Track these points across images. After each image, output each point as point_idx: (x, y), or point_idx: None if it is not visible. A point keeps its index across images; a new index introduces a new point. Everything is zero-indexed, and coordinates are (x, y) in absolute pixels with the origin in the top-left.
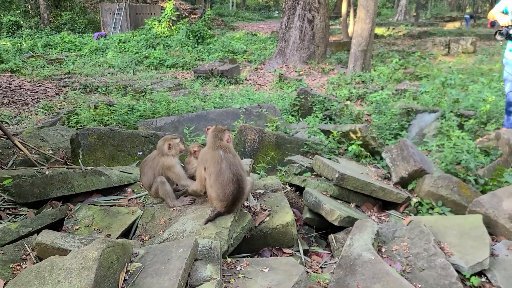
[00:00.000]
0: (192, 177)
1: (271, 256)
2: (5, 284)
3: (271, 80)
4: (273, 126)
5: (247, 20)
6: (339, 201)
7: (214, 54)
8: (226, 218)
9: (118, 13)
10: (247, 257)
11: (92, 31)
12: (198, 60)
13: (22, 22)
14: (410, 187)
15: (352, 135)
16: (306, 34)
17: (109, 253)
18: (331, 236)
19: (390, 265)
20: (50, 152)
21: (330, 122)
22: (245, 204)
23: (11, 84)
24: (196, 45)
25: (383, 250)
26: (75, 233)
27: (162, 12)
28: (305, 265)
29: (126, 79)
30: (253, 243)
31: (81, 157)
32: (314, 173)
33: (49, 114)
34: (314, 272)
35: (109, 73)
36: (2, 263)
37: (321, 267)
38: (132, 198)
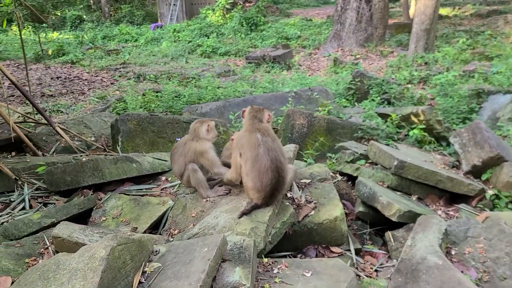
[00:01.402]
0: (227, 165)
1: (316, 255)
2: (12, 282)
3: (325, 65)
4: (324, 110)
5: (303, 7)
6: (398, 193)
7: (267, 40)
8: (264, 211)
9: (175, 4)
10: (288, 257)
11: (150, 22)
12: (251, 47)
13: (84, 16)
14: (484, 177)
15: (413, 118)
16: (364, 15)
17: (120, 251)
18: (389, 234)
19: (462, 271)
20: (92, 139)
21: (388, 106)
22: (288, 195)
23: (70, 75)
24: (249, 32)
25: (452, 252)
26: (102, 225)
27: (217, 1)
28: (357, 267)
29: (178, 67)
30: (296, 240)
31: (120, 143)
32: (369, 161)
33: (102, 102)
34: (367, 276)
35: (162, 62)
36: (17, 257)
37: (375, 270)
38: (165, 187)
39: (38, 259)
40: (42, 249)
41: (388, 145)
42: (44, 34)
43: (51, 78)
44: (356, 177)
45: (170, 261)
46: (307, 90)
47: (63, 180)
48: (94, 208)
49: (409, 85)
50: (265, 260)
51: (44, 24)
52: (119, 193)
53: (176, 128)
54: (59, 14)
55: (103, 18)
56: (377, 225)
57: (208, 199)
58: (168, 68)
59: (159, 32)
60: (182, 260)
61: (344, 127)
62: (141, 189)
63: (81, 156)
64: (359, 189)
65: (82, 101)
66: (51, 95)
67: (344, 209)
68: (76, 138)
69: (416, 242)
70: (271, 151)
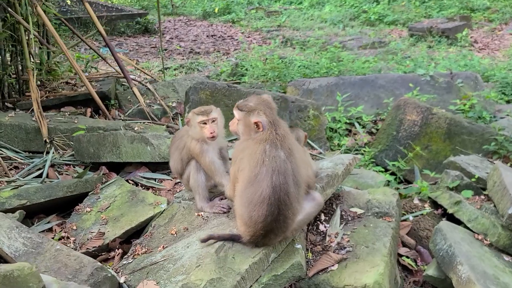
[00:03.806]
0: None
1: None
2: None
3: (509, 44)
4: (465, 105)
5: None
6: (508, 258)
7: (445, 10)
8: (248, 253)
9: None
10: None
11: None
12: (424, 16)
13: None
14: None
15: None
16: None
17: None
18: None
19: None
20: (174, 104)
21: None
22: (321, 227)
23: (225, 33)
24: (427, 0)
25: None
26: (82, 218)
27: None
28: None
29: (330, 35)
30: None
31: (186, 114)
32: (485, 193)
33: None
34: None
35: (317, 28)
36: None
37: None
38: (179, 182)
39: None
40: None
41: None
42: None
43: (207, 36)
44: (452, 216)
45: None
46: (447, 75)
47: (87, 151)
48: (89, 193)
49: None
50: None
51: None
52: (129, 179)
53: None
54: None
55: None
56: None
57: (201, 213)
58: (319, 34)
59: None
60: None
61: (472, 134)
62: (154, 179)
63: (143, 123)
64: (435, 241)
65: (222, 60)
66: (198, 53)
67: (417, 260)
68: (158, 102)
69: None
70: (279, 173)
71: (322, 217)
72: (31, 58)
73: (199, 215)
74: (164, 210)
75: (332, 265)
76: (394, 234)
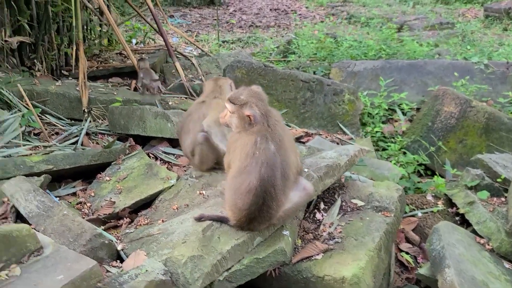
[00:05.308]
0: None
1: None
2: None
3: None
4: None
5: None
6: (508, 265)
7: None
8: (233, 234)
9: None
10: None
11: None
12: None
13: None
14: None
15: None
16: None
17: None
18: None
19: None
20: None
21: None
22: (318, 215)
23: (289, 7)
24: None
25: None
26: (101, 186)
27: None
28: None
29: (397, 12)
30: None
31: None
32: (506, 196)
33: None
34: None
35: (386, 4)
36: None
37: None
38: None
39: None
40: (7, 198)
41: None
42: None
43: (270, 10)
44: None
45: (40, 267)
46: (503, 65)
47: (119, 123)
48: (112, 163)
49: None
50: None
51: None
52: (150, 152)
53: (289, 86)
54: None
55: None
56: None
57: (202, 191)
58: (386, 11)
59: None
60: (34, 279)
61: (511, 130)
62: (173, 155)
63: (180, 98)
64: (431, 241)
65: (279, 36)
66: (258, 26)
67: (418, 258)
68: (199, 77)
69: None
70: (268, 166)
71: (322, 205)
72: (87, 30)
73: (200, 193)
74: (172, 185)
75: (317, 254)
76: (389, 230)
